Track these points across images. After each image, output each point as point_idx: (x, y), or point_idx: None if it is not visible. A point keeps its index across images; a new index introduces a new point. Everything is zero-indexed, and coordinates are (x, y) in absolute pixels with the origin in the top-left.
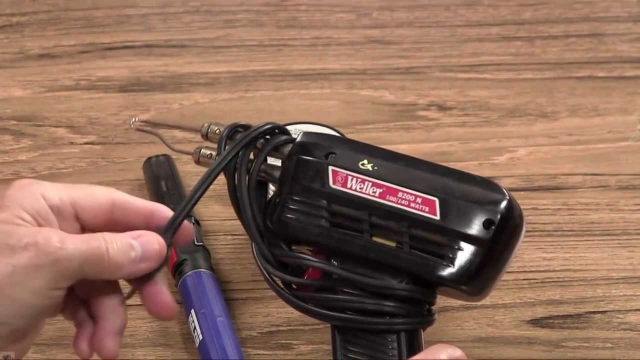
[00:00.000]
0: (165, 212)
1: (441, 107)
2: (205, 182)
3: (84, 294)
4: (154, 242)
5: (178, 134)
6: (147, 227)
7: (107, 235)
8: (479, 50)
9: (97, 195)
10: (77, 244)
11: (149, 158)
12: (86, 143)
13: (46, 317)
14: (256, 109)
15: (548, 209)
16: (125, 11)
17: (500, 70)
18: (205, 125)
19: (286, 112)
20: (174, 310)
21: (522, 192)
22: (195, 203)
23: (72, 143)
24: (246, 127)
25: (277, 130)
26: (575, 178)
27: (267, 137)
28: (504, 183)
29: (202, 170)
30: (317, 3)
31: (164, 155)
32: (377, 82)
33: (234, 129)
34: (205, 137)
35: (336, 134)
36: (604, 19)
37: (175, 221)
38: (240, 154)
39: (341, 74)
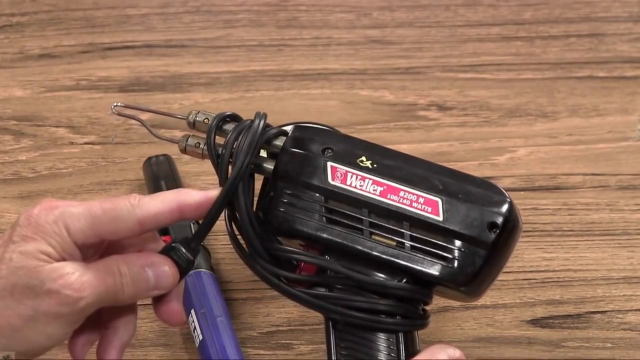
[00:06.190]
0: (189, 196)
1: (441, 107)
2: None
3: None
4: (168, 274)
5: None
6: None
7: (123, 267)
8: (479, 50)
9: (123, 222)
10: (95, 286)
11: (149, 158)
12: (86, 143)
13: None
14: (256, 109)
15: (548, 209)
16: (125, 11)
17: (501, 70)
18: (193, 113)
19: (286, 112)
20: (181, 318)
21: (522, 192)
22: (212, 226)
23: (72, 143)
24: (234, 117)
25: (228, 119)
26: (575, 178)
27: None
28: (504, 183)
29: (202, 170)
30: (317, 3)
31: (164, 155)
32: (377, 82)
33: (223, 119)
34: (192, 125)
35: None
36: (604, 19)
37: (198, 236)
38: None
39: (341, 74)
